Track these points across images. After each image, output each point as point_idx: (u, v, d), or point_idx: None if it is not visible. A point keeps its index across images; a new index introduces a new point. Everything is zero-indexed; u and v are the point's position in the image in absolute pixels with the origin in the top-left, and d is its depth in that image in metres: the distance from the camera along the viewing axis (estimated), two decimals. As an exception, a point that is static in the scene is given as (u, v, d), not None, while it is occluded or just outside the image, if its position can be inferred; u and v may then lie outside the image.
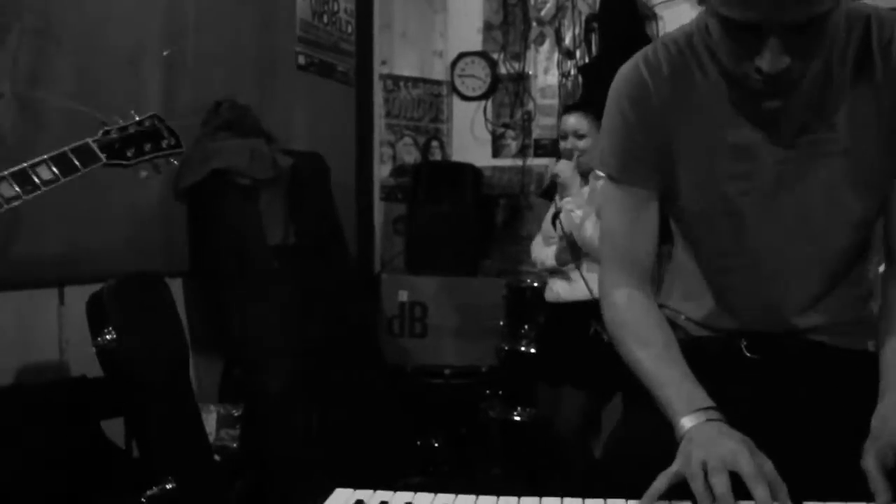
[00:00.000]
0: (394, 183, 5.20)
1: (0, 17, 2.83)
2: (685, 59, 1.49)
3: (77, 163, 1.51)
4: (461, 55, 5.26)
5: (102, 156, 1.56)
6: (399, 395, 4.20)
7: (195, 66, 3.64)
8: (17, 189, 1.42)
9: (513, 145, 5.19)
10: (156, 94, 3.44)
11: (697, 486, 1.19)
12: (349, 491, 1.25)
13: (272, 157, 3.40)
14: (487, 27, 5.26)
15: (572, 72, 5.01)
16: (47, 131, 3.01)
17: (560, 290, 3.35)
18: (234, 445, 3.33)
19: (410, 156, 5.23)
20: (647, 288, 1.55)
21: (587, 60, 4.91)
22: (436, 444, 4.24)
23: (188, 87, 3.58)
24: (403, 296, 4.43)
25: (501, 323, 4.11)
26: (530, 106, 5.15)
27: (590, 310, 3.06)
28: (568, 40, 5.04)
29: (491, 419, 4.10)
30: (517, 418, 4.01)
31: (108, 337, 2.56)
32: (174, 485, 2.63)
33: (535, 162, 5.10)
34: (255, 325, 3.31)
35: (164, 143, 1.66)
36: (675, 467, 1.24)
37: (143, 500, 2.57)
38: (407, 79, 5.25)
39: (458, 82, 5.28)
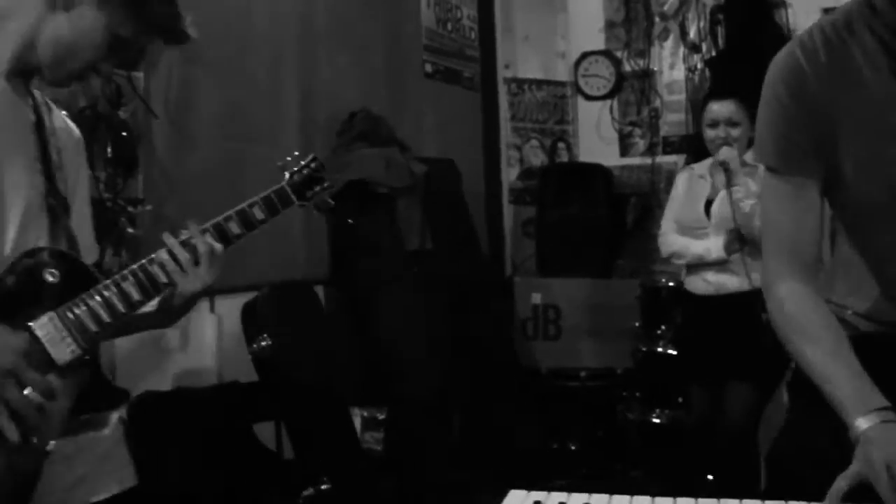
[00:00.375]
0: (522, 186, 5.21)
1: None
2: (844, 42, 1.42)
3: (279, 205, 1.68)
4: (584, 55, 5.22)
5: (294, 198, 1.71)
6: (534, 398, 4.19)
7: (329, 79, 3.75)
8: (242, 228, 1.61)
9: (641, 143, 5.11)
10: (294, 107, 3.57)
11: (884, 488, 1.16)
12: (523, 492, 1.26)
13: (407, 166, 3.47)
14: (609, 25, 5.20)
15: (699, 66, 4.89)
16: (199, 152, 3.17)
17: (726, 281, 3.24)
18: (379, 448, 3.40)
19: (537, 158, 5.23)
20: (813, 281, 1.48)
21: (714, 54, 4.79)
22: (573, 448, 4.21)
23: (323, 100, 3.69)
24: (536, 298, 4.43)
25: (637, 324, 4.05)
26: (657, 103, 5.07)
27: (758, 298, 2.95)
28: (693, 34, 4.93)
29: (629, 421, 4.05)
30: (656, 420, 3.94)
31: (263, 343, 2.67)
32: (329, 485, 2.71)
33: (665, 159, 5.02)
34: (395, 329, 3.38)
35: (325, 185, 1.80)
36: (855, 468, 1.21)
37: (300, 500, 2.66)
38: (531, 81, 5.26)
39: (582, 82, 5.24)
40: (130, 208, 2.82)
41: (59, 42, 1.41)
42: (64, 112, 1.66)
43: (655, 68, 5.10)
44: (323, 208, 1.82)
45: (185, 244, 1.53)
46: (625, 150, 5.14)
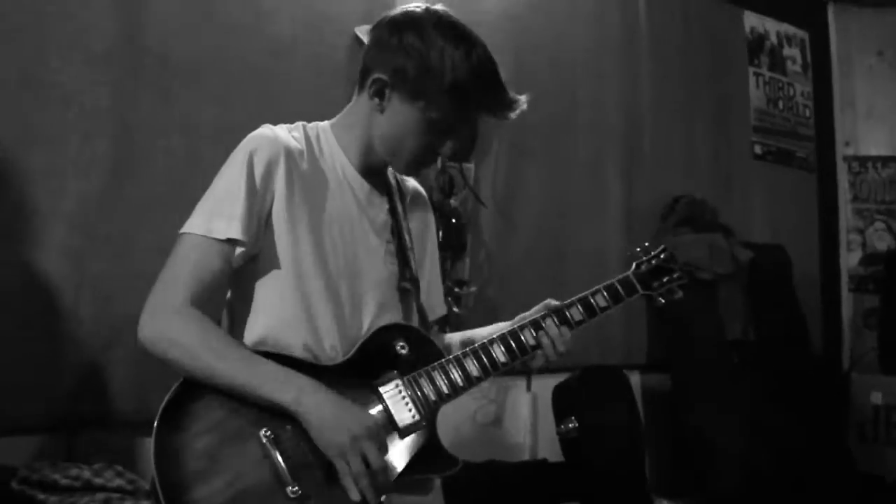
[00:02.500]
0: (864, 272, 4.76)
1: (483, 136, 3.20)
2: None
3: (622, 293, 1.76)
4: (941, 128, 4.73)
5: (639, 287, 1.79)
6: (875, 509, 3.76)
7: (652, 163, 3.75)
8: (584, 314, 1.71)
9: None
10: (617, 193, 3.61)
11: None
12: None
13: (731, 251, 3.35)
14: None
15: None
16: (522, 237, 3.30)
17: None
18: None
19: (883, 242, 4.76)
20: None
21: None
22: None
23: (646, 184, 3.70)
24: (877, 398, 4.00)
25: None
26: None
27: None
28: None
29: None
30: None
31: (570, 425, 2.70)
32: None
33: None
34: (709, 419, 3.23)
35: (675, 276, 1.85)
36: None
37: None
38: (876, 158, 4.84)
39: (942, 158, 4.74)
40: (457, 289, 3.01)
41: (384, 138, 1.59)
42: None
43: None
44: (668, 300, 1.85)
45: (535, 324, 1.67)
46: None
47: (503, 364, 1.62)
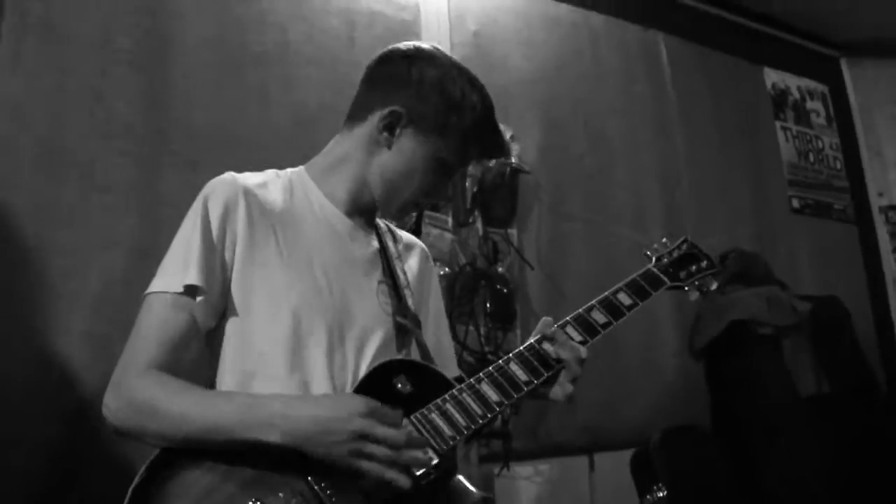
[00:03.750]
0: (916, 322, 4.57)
1: (523, 201, 3.08)
2: None
3: (648, 288, 1.64)
4: (976, 172, 4.61)
5: (666, 278, 1.69)
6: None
7: (694, 224, 3.61)
8: (609, 316, 1.56)
9: None
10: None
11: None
12: None
13: (790, 303, 3.17)
14: None
15: None
16: (571, 302, 3.12)
17: None
18: None
19: (930, 292, 4.59)
20: None
21: None
22: None
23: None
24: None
25: None
26: None
27: None
28: None
29: None
30: None
31: (659, 494, 2.48)
32: None
33: None
34: (788, 483, 2.98)
35: (704, 264, 1.76)
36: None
37: None
38: (911, 208, 4.72)
39: (978, 203, 4.61)
40: (510, 361, 2.83)
41: (387, 174, 1.49)
42: (404, 232, 1.73)
43: None
44: (704, 290, 1.73)
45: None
46: None
47: (525, 384, 1.44)
